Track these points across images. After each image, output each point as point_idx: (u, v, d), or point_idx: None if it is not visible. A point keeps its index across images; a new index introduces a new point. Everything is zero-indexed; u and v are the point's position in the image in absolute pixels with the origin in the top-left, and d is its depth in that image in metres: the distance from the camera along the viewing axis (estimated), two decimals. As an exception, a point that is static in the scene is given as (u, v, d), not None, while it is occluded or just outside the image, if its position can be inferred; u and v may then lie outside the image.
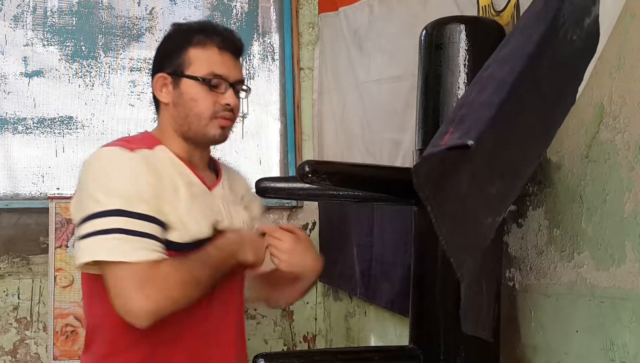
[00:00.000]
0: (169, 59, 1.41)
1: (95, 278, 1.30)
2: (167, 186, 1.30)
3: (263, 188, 1.27)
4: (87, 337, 1.38)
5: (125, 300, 1.22)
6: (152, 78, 1.41)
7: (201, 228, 1.32)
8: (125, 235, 1.23)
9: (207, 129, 1.37)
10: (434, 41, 1.29)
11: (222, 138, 1.40)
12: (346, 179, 1.20)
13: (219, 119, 1.37)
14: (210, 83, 1.36)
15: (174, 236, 1.28)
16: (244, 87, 1.44)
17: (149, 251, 1.23)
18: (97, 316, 1.35)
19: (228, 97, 1.37)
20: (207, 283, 1.27)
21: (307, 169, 1.09)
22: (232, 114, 1.40)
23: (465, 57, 1.24)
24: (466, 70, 1.24)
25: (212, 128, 1.37)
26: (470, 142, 0.79)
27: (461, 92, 1.25)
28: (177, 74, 1.38)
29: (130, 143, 1.34)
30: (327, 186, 1.16)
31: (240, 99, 1.46)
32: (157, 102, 1.43)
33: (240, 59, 1.46)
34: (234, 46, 1.41)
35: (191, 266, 1.26)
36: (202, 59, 1.38)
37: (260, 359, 1.16)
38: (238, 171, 1.56)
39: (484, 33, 1.28)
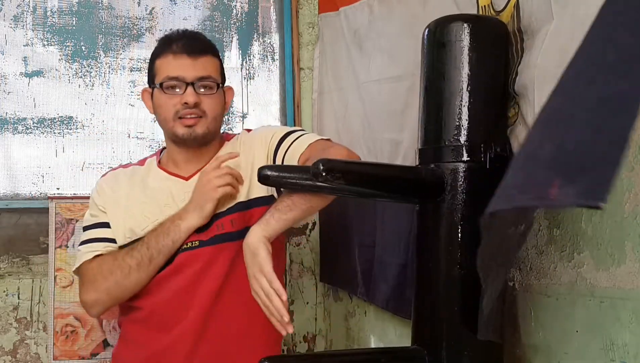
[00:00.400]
0: (148, 74, 1.56)
1: None
2: (120, 197, 1.54)
3: (265, 176, 1.26)
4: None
5: (79, 298, 1.52)
6: None
7: (140, 225, 1.49)
8: (81, 246, 1.53)
9: (174, 130, 1.48)
10: (438, 39, 1.29)
11: (192, 136, 1.48)
12: (359, 178, 1.19)
13: (182, 119, 1.46)
14: (162, 87, 1.47)
15: (119, 240, 1.51)
16: (209, 82, 1.48)
17: (91, 252, 1.49)
18: None
19: (186, 95, 1.44)
20: (143, 263, 1.42)
21: (321, 167, 1.09)
22: (195, 110, 1.45)
23: (470, 56, 1.24)
24: (470, 68, 1.24)
25: (178, 128, 1.48)
26: (602, 204, 0.57)
27: (465, 91, 1.25)
28: (152, 86, 1.53)
29: (121, 166, 1.66)
30: (339, 184, 1.16)
31: (212, 93, 1.49)
32: None
33: (207, 56, 1.49)
34: (189, 47, 1.47)
35: (116, 255, 1.46)
36: (161, 67, 1.49)
37: (265, 362, 1.15)
38: (261, 130, 1.60)
39: (488, 31, 1.28)
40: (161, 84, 1.47)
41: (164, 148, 1.64)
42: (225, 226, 1.46)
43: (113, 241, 1.51)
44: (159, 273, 1.47)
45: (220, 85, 1.52)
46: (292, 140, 1.51)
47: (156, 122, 1.61)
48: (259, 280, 1.22)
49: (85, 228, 1.56)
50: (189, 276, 1.46)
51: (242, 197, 1.51)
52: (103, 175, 1.63)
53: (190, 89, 1.44)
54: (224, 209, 1.49)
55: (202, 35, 1.57)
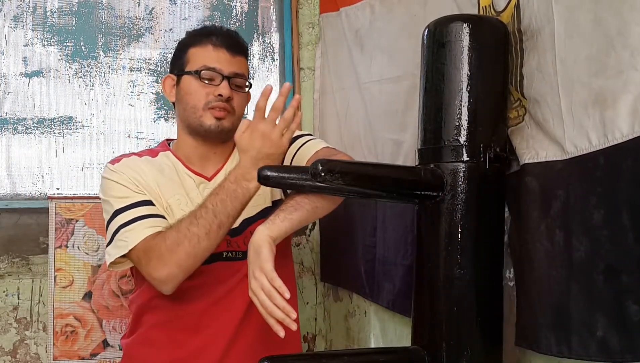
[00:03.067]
0: (175, 61, 1.53)
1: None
2: (149, 181, 1.47)
3: (265, 176, 1.26)
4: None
5: (147, 276, 1.40)
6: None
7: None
8: (125, 228, 1.41)
9: (202, 120, 1.46)
10: (438, 39, 1.29)
11: (219, 129, 1.47)
12: (358, 178, 1.19)
13: (213, 110, 1.45)
14: (200, 75, 1.45)
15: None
16: (247, 82, 1.51)
17: (146, 229, 1.39)
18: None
19: (221, 88, 1.45)
20: (202, 231, 1.34)
21: (320, 168, 1.09)
22: (226, 104, 1.46)
23: (469, 56, 1.24)
24: (470, 68, 1.24)
25: (206, 119, 1.46)
26: None
27: (464, 91, 1.25)
28: (180, 73, 1.50)
29: (131, 154, 1.54)
30: (338, 185, 1.16)
31: (244, 93, 1.52)
32: (173, 104, 1.57)
33: (242, 57, 1.52)
34: (230, 42, 1.49)
35: (179, 225, 1.37)
36: (198, 55, 1.48)
37: (266, 362, 1.15)
38: None
39: (488, 31, 1.28)
40: (197, 72, 1.46)
41: (168, 140, 1.62)
42: None
43: (163, 217, 1.44)
44: (200, 280, 1.45)
45: (249, 86, 1.55)
46: (300, 144, 1.52)
47: (161, 119, 1.59)
48: (258, 279, 1.20)
49: (123, 209, 1.43)
50: (230, 286, 1.48)
51: (267, 201, 1.54)
52: (115, 161, 1.52)
53: (225, 82, 1.46)
54: (254, 214, 1.51)
55: (239, 35, 1.58)
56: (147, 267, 1.38)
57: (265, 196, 1.54)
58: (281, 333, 1.19)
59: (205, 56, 1.47)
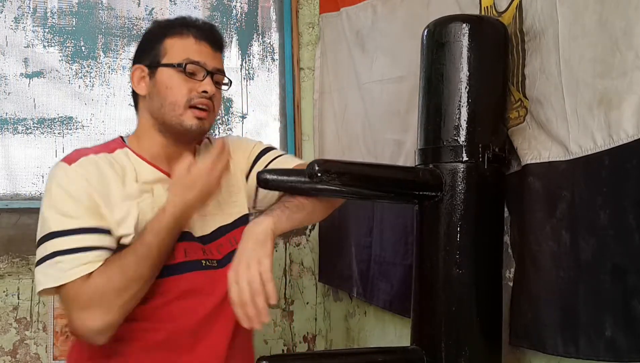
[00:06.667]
0: (146, 51, 1.37)
1: None
2: (111, 190, 1.27)
3: (264, 180, 1.26)
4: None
5: (73, 324, 1.21)
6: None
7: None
8: (60, 257, 1.20)
9: (182, 118, 1.32)
10: (437, 39, 1.29)
11: (199, 130, 1.34)
12: (356, 178, 1.19)
13: (194, 109, 1.32)
14: (185, 69, 1.32)
15: (122, 239, 1.25)
16: (225, 79, 1.40)
17: (83, 266, 1.20)
18: None
19: (206, 84, 1.33)
20: (149, 273, 1.22)
21: (317, 168, 1.08)
22: (209, 102, 1.34)
23: (469, 56, 1.24)
24: (469, 69, 1.24)
25: (187, 118, 1.32)
26: None
27: (464, 91, 1.25)
28: (154, 65, 1.35)
29: (87, 150, 1.32)
30: (335, 184, 1.16)
31: (222, 91, 1.41)
32: (135, 97, 1.40)
33: (221, 52, 1.41)
34: (212, 37, 1.38)
35: (125, 266, 1.20)
36: (178, 47, 1.34)
37: (264, 362, 1.15)
38: (239, 139, 1.52)
39: (488, 32, 1.28)
40: (182, 65, 1.32)
41: (121, 137, 1.43)
42: (238, 239, 1.25)
43: (108, 249, 1.24)
44: (180, 297, 1.31)
45: (229, 84, 1.44)
46: (275, 156, 1.47)
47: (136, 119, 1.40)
48: (250, 271, 1.13)
49: (64, 233, 1.22)
50: (218, 299, 1.34)
51: (244, 209, 1.45)
52: (70, 160, 1.29)
53: (209, 78, 1.34)
54: (231, 221, 1.42)
55: (217, 29, 1.45)
56: (79, 313, 1.19)
57: (241, 204, 1.45)
58: (257, 326, 1.13)
59: (187, 49, 1.34)
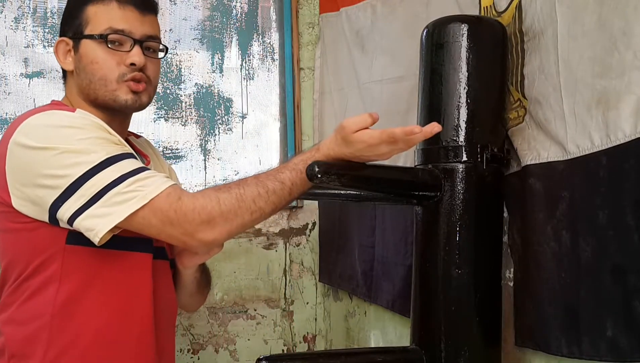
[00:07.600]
0: (69, 21, 1.25)
1: None
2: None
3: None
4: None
5: (186, 237, 1.10)
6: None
7: None
8: (136, 176, 1.08)
9: (116, 94, 1.20)
10: (436, 40, 1.29)
11: (136, 104, 1.22)
12: (356, 179, 1.19)
13: (128, 82, 1.20)
14: (107, 40, 1.19)
15: None
16: (160, 45, 1.27)
17: (168, 180, 1.10)
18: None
19: (133, 55, 1.20)
20: (277, 209, 1.14)
21: (316, 169, 1.09)
22: (142, 75, 1.21)
23: (468, 56, 1.25)
24: (468, 69, 1.25)
25: (121, 93, 1.20)
26: None
27: (462, 92, 1.25)
28: (77, 37, 1.23)
29: (52, 106, 1.20)
30: (335, 186, 1.16)
31: (157, 58, 1.28)
32: (64, 72, 1.28)
33: (153, 15, 1.27)
34: (137, 0, 1.23)
35: (247, 195, 1.11)
36: (101, 15, 1.21)
37: (263, 362, 1.16)
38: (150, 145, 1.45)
39: (487, 32, 1.28)
40: (104, 36, 1.19)
41: (57, 102, 1.28)
42: None
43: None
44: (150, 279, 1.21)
45: (165, 51, 1.30)
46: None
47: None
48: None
49: (120, 158, 1.10)
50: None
51: None
52: (59, 106, 1.21)
53: (137, 48, 1.21)
54: None
55: None
56: (188, 225, 1.08)
57: None
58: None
59: (109, 16, 1.20)
